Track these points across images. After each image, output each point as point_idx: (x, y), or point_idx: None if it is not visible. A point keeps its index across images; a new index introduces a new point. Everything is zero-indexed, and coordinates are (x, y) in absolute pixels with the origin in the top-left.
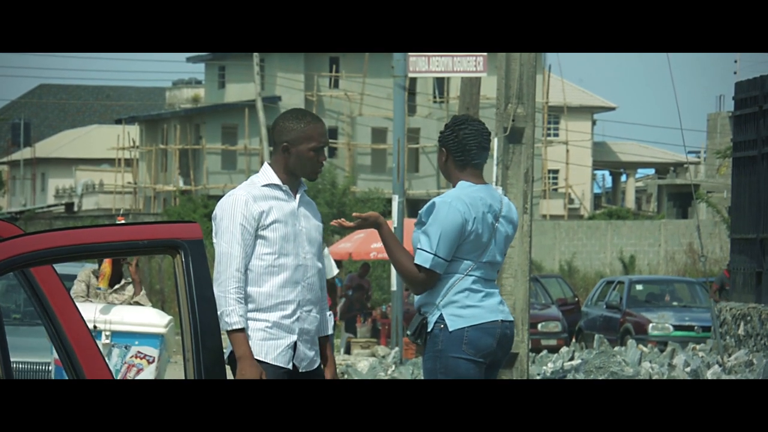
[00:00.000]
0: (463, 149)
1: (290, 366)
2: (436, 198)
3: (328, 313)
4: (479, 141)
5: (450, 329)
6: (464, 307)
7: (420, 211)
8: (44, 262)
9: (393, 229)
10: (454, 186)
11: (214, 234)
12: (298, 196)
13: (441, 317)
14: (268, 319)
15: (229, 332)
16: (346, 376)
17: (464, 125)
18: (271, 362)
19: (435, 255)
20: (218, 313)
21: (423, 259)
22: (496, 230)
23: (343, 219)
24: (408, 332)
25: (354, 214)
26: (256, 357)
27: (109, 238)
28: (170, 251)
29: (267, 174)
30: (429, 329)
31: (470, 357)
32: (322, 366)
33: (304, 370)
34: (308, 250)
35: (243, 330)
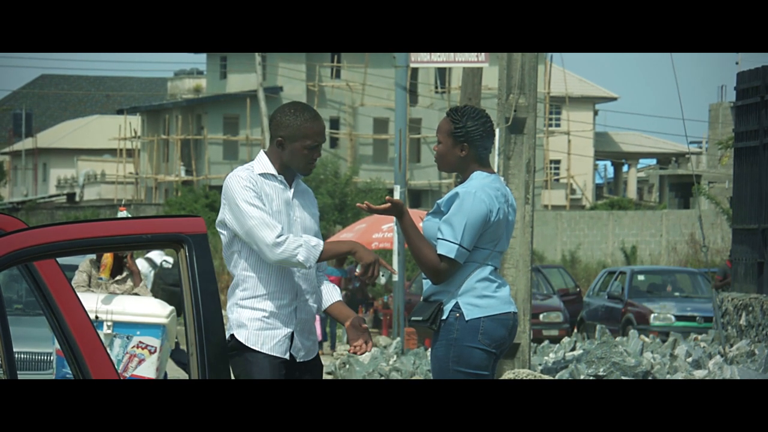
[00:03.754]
0: (486, 143)
1: (287, 356)
2: (459, 188)
3: (332, 286)
4: (493, 132)
5: (466, 318)
6: (481, 296)
7: (438, 201)
8: (48, 255)
9: (395, 220)
10: (465, 178)
11: (230, 216)
12: (293, 184)
13: (457, 305)
14: (265, 309)
15: (323, 254)
16: (347, 366)
17: (485, 118)
18: (267, 352)
19: (459, 245)
20: (302, 257)
21: (447, 250)
22: (507, 220)
23: (368, 202)
24: (417, 318)
25: (387, 198)
26: (251, 347)
27: (113, 231)
28: (174, 245)
29: (263, 163)
30: (444, 317)
31: (485, 347)
32: (344, 324)
33: (301, 360)
34: None
35: (325, 242)
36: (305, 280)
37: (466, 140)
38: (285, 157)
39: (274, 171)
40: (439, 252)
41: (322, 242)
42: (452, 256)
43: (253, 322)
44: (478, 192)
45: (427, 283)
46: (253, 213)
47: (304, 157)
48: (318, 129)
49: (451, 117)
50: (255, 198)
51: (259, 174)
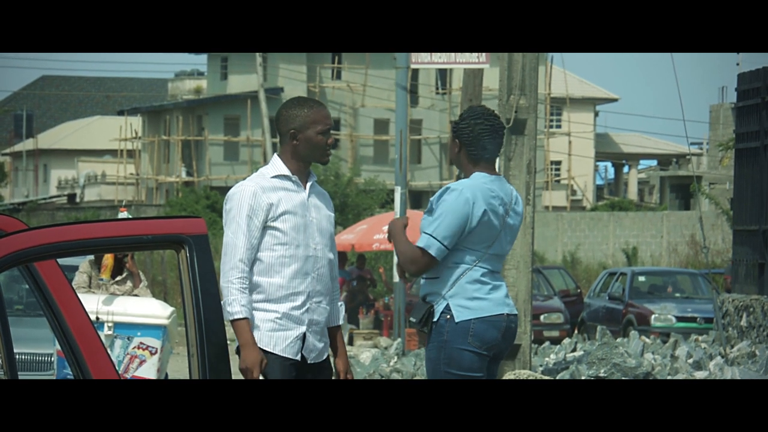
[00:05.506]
0: (476, 144)
1: (299, 357)
2: (450, 184)
3: (339, 303)
4: (493, 137)
5: (456, 320)
6: (471, 298)
7: (431, 198)
8: (48, 256)
9: None
10: (467, 177)
11: (223, 223)
12: (308, 186)
13: (447, 307)
14: (278, 310)
15: (231, 322)
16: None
17: (480, 120)
18: (279, 353)
19: (430, 235)
20: (221, 302)
21: (421, 240)
22: (505, 223)
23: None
24: (412, 319)
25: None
26: (264, 348)
27: (113, 232)
28: (175, 246)
29: (276, 165)
30: (435, 319)
31: (475, 349)
32: (332, 357)
33: (312, 362)
34: (318, 240)
35: (245, 319)
36: (319, 282)
37: (458, 137)
38: (300, 150)
39: (288, 172)
40: (416, 244)
41: (240, 314)
42: (422, 245)
43: (266, 323)
44: (465, 190)
45: (424, 283)
46: (234, 232)
47: (319, 143)
48: (325, 113)
49: (462, 113)
50: (247, 218)
51: (273, 176)
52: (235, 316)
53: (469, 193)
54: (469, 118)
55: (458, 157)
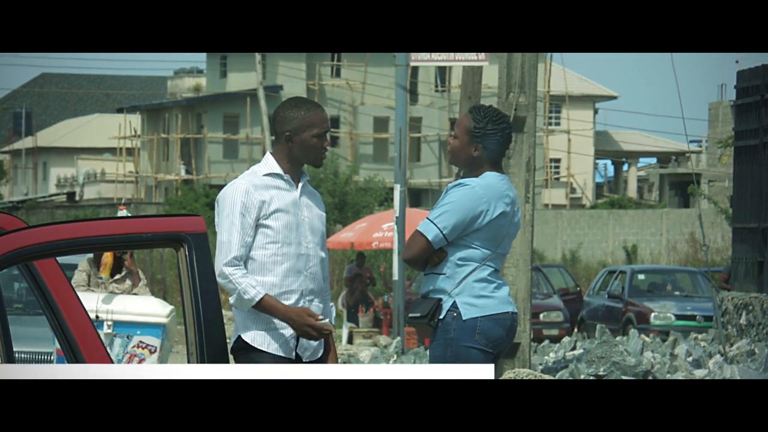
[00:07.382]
0: (501, 149)
1: (293, 356)
2: (463, 180)
3: (330, 303)
4: (510, 140)
5: (463, 318)
6: (478, 296)
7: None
8: (47, 255)
9: (395, 219)
10: (476, 177)
11: (215, 223)
12: (300, 185)
13: (454, 305)
14: None
15: (257, 306)
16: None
17: (504, 124)
18: (274, 352)
19: (431, 221)
20: (233, 299)
21: (421, 225)
22: (512, 222)
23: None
24: (415, 315)
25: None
26: (258, 347)
27: (112, 230)
28: (174, 244)
29: (269, 163)
30: (441, 316)
31: (482, 347)
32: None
33: (307, 360)
34: (310, 239)
35: (266, 295)
36: (313, 281)
37: (482, 142)
38: (295, 152)
39: (280, 170)
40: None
41: (259, 295)
42: (420, 229)
43: (260, 323)
44: (477, 187)
45: (427, 279)
46: (228, 230)
47: (314, 146)
48: (323, 116)
49: (472, 115)
50: (240, 215)
51: (265, 174)
52: (257, 298)
53: (481, 191)
54: (493, 123)
55: (475, 160)
